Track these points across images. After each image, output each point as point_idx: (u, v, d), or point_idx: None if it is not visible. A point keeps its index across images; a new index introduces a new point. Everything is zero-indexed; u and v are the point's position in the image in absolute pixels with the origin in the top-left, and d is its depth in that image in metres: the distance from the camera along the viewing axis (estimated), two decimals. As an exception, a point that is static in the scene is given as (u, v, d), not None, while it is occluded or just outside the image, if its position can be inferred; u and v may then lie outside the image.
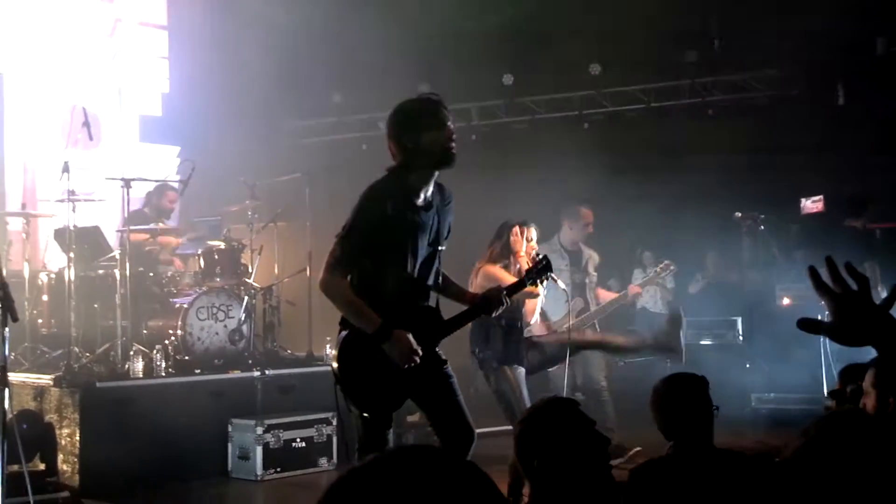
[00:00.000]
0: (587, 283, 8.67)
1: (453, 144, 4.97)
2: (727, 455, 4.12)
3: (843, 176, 11.42)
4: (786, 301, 11.14)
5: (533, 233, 7.27)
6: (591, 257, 8.79)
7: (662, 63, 13.00)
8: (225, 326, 9.25)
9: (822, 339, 8.94)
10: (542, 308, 7.59)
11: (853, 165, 11.37)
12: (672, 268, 8.85)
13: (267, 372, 8.98)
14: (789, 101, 12.39)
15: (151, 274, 9.58)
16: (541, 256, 5.71)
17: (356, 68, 12.96)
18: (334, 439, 8.78)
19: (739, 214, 8.96)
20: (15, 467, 6.44)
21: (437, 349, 5.13)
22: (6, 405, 5.31)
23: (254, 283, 9.76)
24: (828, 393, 4.80)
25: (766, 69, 12.63)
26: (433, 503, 1.52)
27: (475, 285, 6.86)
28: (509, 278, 6.65)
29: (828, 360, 8.96)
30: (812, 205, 11.63)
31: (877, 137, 11.12)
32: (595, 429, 3.47)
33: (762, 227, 9.04)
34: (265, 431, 8.39)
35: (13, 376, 8.51)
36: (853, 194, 10.12)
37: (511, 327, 7.14)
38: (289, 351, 10.18)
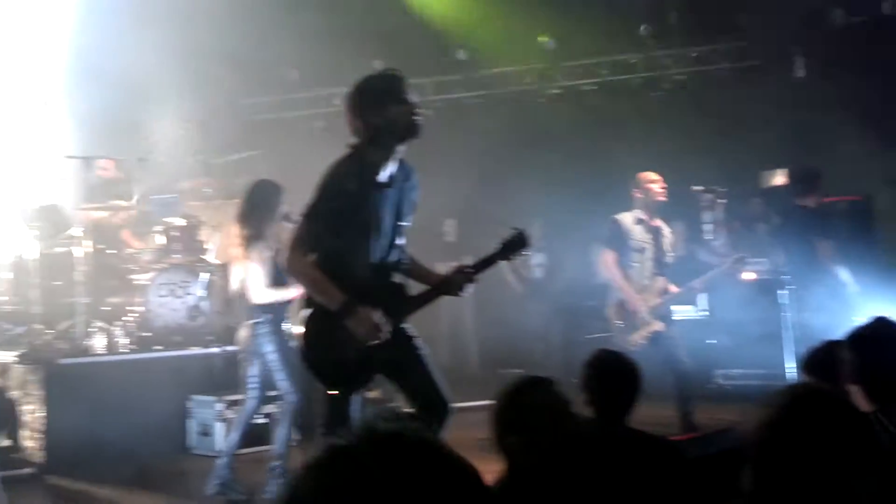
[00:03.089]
0: (664, 265, 8.47)
1: (418, 117, 4.98)
2: (642, 437, 4.13)
3: (804, 149, 11.39)
4: (749, 275, 10.91)
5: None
6: (668, 237, 8.57)
7: (618, 36, 12.97)
8: (184, 303, 9.24)
9: (783, 314, 8.99)
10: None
11: (813, 138, 11.34)
12: (745, 259, 8.63)
13: (226, 348, 8.93)
14: (749, 73, 12.40)
15: (112, 251, 9.56)
16: (515, 230, 5.33)
17: (311, 44, 12.97)
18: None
19: (698, 188, 8.96)
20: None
21: (404, 324, 5.10)
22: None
23: (213, 261, 9.77)
24: (803, 366, 4.64)
25: (725, 42, 12.64)
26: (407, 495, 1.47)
27: None
28: None
29: (789, 335, 8.90)
30: (775, 178, 11.64)
31: (836, 109, 11.05)
32: (570, 408, 3.49)
33: (721, 200, 9.04)
34: (226, 408, 8.42)
35: (-25, 354, 8.62)
36: (801, 171, 9.88)
37: None
38: (248, 328, 10.21)
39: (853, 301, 8.67)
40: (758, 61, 12.41)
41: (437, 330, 13.14)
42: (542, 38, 13.01)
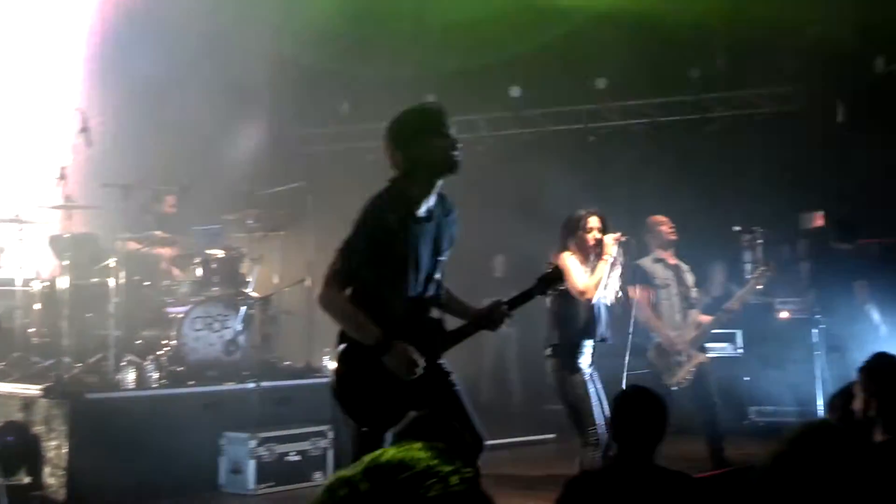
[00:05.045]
0: (691, 300, 8.66)
1: (457, 153, 4.87)
2: (665, 474, 4.13)
3: (843, 193, 11.53)
4: (783, 314, 11.38)
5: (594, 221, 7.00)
6: (688, 274, 8.78)
7: (666, 78, 13.11)
8: (220, 337, 9.11)
9: (816, 353, 9.14)
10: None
11: (852, 183, 11.54)
12: (769, 273, 8.71)
13: (262, 384, 8.80)
14: (791, 118, 12.54)
15: (147, 283, 9.42)
16: (552, 266, 5.44)
17: (364, 77, 12.85)
18: (330, 453, 8.58)
19: (738, 228, 8.97)
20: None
21: (440, 361, 5.01)
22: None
23: (252, 293, 9.59)
24: (830, 396, 4.91)
25: (769, 86, 12.80)
26: None
27: None
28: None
29: (823, 374, 9.01)
30: (812, 220, 11.83)
31: (875, 156, 11.26)
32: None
33: (759, 241, 9.10)
34: (259, 445, 8.22)
35: (0, 387, 8.39)
36: (842, 219, 10.37)
37: None
38: (286, 362, 9.99)
39: (885, 341, 8.90)
40: (800, 106, 12.58)
41: (481, 366, 13.30)
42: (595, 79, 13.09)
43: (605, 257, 6.74)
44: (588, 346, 6.79)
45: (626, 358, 7.66)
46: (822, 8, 10.92)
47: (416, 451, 1.77)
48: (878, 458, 2.49)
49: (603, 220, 6.94)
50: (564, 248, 6.88)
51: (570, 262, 6.76)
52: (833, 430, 2.54)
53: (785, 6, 11.31)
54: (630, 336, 7.68)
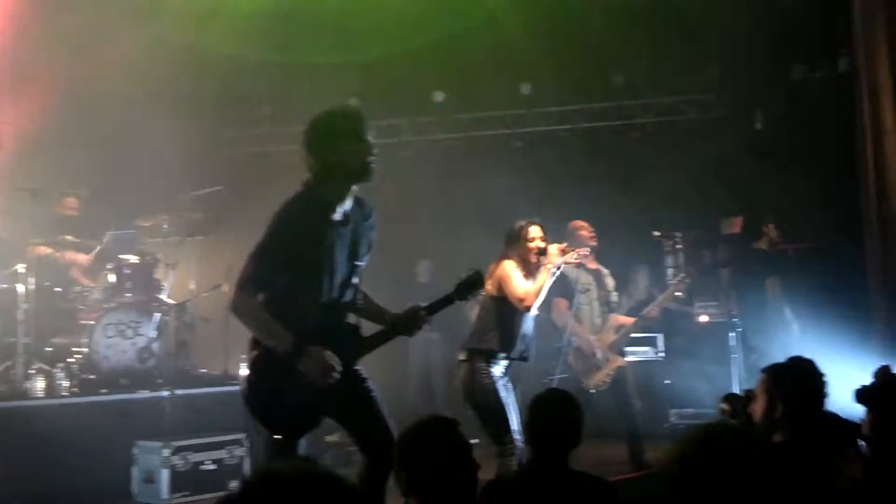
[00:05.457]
0: (611, 304, 8.70)
1: (372, 158, 4.83)
2: (580, 478, 4.13)
3: (760, 198, 11.73)
4: (703, 318, 11.54)
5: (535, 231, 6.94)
6: (609, 278, 8.81)
7: (590, 85, 13.21)
8: (134, 344, 8.98)
9: (735, 355, 9.35)
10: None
11: (770, 188, 11.69)
12: (688, 280, 8.83)
13: (177, 391, 8.65)
14: (712, 124, 12.75)
15: (58, 289, 9.22)
16: (472, 271, 5.37)
17: (286, 80, 12.69)
18: (247, 461, 8.43)
19: (657, 233, 9.03)
20: None
21: (356, 366, 4.96)
22: None
23: (167, 300, 9.41)
24: (723, 397, 4.94)
25: (690, 93, 12.97)
26: None
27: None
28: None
29: (740, 375, 9.06)
30: (731, 225, 12.05)
31: (792, 160, 11.57)
32: (468, 453, 3.54)
33: (679, 246, 9.21)
34: (172, 454, 8.07)
35: None
36: (752, 218, 10.83)
37: None
38: (203, 370, 9.82)
39: (798, 340, 9.28)
40: (721, 113, 12.81)
41: (406, 371, 13.24)
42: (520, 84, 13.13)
43: (548, 266, 6.67)
44: (503, 360, 6.70)
45: (565, 361, 7.77)
46: (741, 16, 11.01)
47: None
48: (779, 458, 2.49)
49: (543, 230, 6.89)
50: (506, 257, 6.80)
51: (510, 270, 6.68)
52: (731, 431, 2.57)
53: (706, 14, 11.42)
54: (565, 342, 7.85)
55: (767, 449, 2.51)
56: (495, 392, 6.57)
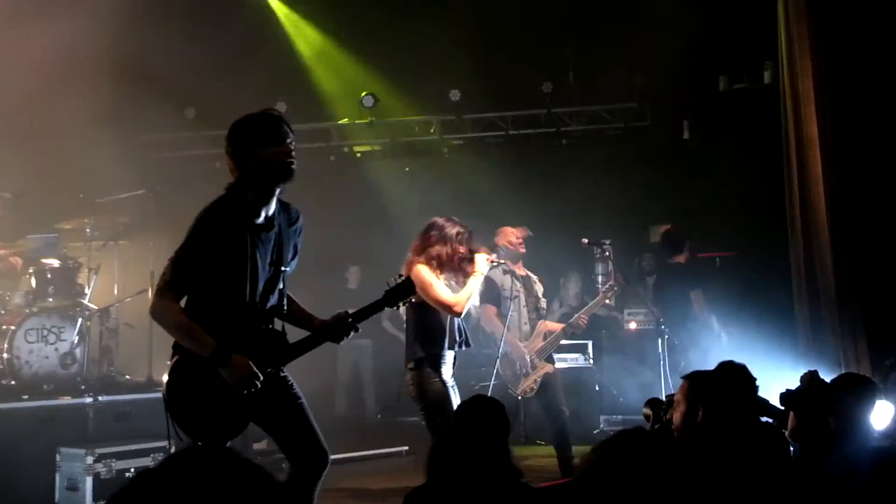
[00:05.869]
0: (540, 310, 8.66)
1: (291, 161, 4.78)
2: (506, 484, 4.07)
3: (687, 207, 12.01)
4: (632, 325, 11.78)
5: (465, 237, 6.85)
6: (538, 284, 8.75)
7: (520, 92, 13.28)
8: (56, 350, 8.80)
9: (662, 361, 9.33)
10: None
11: (695, 196, 12.06)
12: (616, 288, 8.82)
13: (100, 398, 8.49)
14: (641, 133, 13.02)
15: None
16: (402, 277, 5.36)
17: (210, 83, 12.54)
18: (171, 469, 8.28)
19: (586, 241, 9.08)
20: None
21: (282, 372, 4.92)
22: None
23: (90, 304, 9.26)
24: (646, 402, 4.98)
25: (619, 102, 13.12)
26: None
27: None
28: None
29: (668, 382, 9.17)
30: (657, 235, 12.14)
31: (717, 170, 11.82)
32: None
33: (608, 253, 9.30)
34: (96, 461, 7.90)
35: None
36: (670, 234, 10.87)
37: None
38: (127, 376, 9.65)
39: (726, 349, 9.40)
40: (649, 122, 13.03)
41: (336, 378, 13.29)
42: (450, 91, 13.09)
43: (476, 272, 6.65)
44: (450, 356, 6.69)
45: (496, 367, 7.78)
46: (668, 27, 11.14)
47: None
48: (698, 463, 2.53)
49: (471, 235, 6.86)
50: (417, 261, 6.72)
51: (428, 275, 6.59)
52: (646, 436, 2.59)
53: (634, 24, 11.53)
54: (499, 348, 7.87)
55: (674, 454, 2.52)
56: (447, 395, 6.57)
